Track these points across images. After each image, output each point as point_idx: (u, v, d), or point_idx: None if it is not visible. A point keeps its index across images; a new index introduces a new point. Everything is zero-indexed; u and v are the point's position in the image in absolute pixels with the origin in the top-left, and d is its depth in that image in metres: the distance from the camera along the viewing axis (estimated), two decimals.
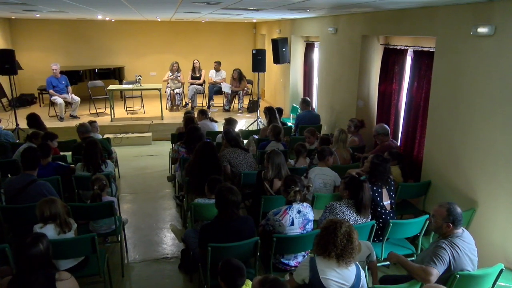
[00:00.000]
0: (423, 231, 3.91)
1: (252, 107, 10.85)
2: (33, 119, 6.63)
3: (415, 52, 5.59)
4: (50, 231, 3.40)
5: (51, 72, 9.86)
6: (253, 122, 9.58)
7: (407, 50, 5.85)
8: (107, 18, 11.77)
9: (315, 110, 8.81)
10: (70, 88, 10.07)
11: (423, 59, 5.35)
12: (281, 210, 3.59)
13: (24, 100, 11.60)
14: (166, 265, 4.61)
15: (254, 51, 9.24)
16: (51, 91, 9.75)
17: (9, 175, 5.34)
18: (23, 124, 8.45)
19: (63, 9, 7.36)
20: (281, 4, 5.82)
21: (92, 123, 6.70)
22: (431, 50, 5.04)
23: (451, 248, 2.93)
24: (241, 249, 3.31)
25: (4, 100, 11.17)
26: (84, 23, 12.56)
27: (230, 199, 3.37)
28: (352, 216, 3.67)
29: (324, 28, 8.06)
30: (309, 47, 9.68)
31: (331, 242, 2.62)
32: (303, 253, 3.67)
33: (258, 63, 9.18)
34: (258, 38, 14.11)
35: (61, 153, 5.92)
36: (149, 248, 4.95)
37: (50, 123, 9.13)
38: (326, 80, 8.27)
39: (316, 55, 9.34)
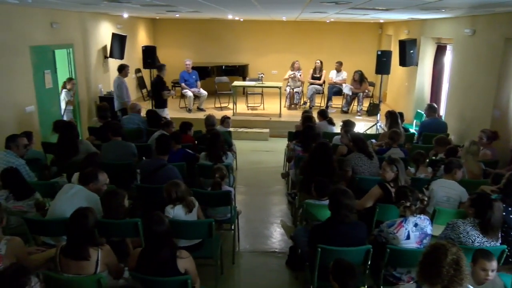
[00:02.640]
0: None
1: (372, 110, 10.48)
2: (151, 116, 7.29)
3: None
4: (179, 210, 3.75)
5: (183, 67, 10.78)
6: (372, 126, 9.26)
7: None
8: (236, 18, 12.42)
9: (442, 118, 8.16)
10: (199, 82, 10.88)
11: None
12: (396, 223, 3.41)
13: None
14: (274, 259, 4.73)
15: (379, 52, 8.93)
16: (182, 84, 10.66)
17: (143, 158, 5.98)
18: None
19: (200, 9, 7.98)
20: (413, 4, 5.51)
21: (226, 119, 7.16)
22: None
23: None
24: (352, 255, 3.24)
25: (144, 90, 12.56)
26: (214, 22, 13.43)
27: (343, 202, 3.32)
28: (477, 237, 3.32)
29: (460, 29, 7.40)
30: (440, 50, 8.99)
31: (434, 273, 2.25)
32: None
33: (382, 64, 8.84)
34: (383, 38, 13.56)
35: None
36: (259, 240, 5.13)
37: (179, 114, 10.02)
38: (458, 86, 7.60)
39: (448, 58, 8.64)
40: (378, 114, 9.27)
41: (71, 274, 2.87)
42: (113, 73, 10.84)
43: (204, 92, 10.76)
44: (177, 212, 3.75)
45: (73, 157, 5.10)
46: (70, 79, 8.16)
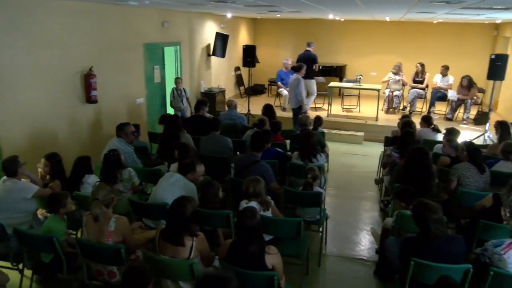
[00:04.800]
0: None
1: (480, 119, 9.63)
2: (268, 109, 7.40)
3: None
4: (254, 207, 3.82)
5: (280, 66, 10.91)
6: (479, 136, 8.50)
7: None
8: (337, 18, 12.23)
9: None
10: None
11: None
12: (504, 243, 3.08)
13: (256, 90, 13.19)
14: (361, 266, 4.59)
15: (492, 56, 8.16)
16: (279, 83, 10.81)
17: (238, 153, 6.19)
18: (254, 110, 9.67)
19: (301, 9, 8.00)
20: None
21: (319, 118, 7.14)
22: None
23: None
24: (448, 273, 3.00)
25: (241, 88, 12.99)
26: (313, 22, 13.37)
27: (429, 217, 3.08)
28: None
29: None
30: None
31: None
32: None
33: (496, 70, 8.06)
34: (499, 41, 12.33)
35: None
36: (347, 245, 5.01)
37: None
38: None
39: None
40: (487, 124, 8.49)
41: (168, 256, 3.08)
42: (215, 70, 11.40)
43: None
44: None
45: (175, 147, 5.46)
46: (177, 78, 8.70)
